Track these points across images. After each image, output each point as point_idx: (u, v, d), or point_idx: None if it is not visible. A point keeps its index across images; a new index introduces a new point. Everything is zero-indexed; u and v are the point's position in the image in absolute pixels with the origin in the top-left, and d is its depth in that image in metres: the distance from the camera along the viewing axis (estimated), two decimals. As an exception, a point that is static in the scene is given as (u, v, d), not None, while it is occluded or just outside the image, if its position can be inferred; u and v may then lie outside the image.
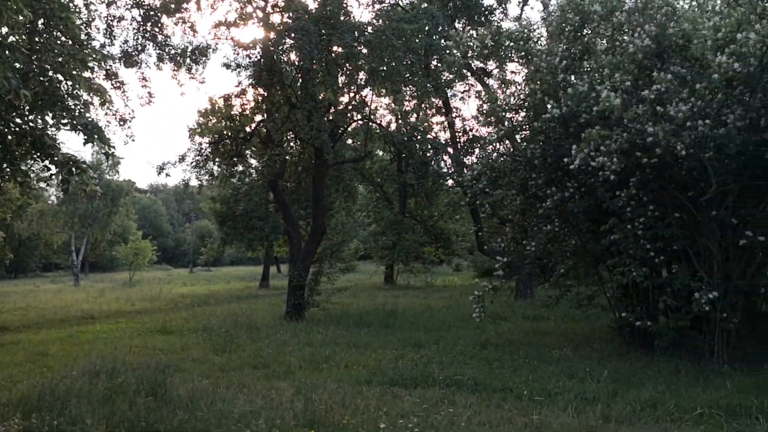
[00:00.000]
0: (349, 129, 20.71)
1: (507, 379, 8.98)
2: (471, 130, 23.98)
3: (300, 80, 15.93)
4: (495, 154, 12.37)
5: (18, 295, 33.40)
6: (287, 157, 21.40)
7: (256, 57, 16.52)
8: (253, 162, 28.07)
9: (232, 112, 22.59)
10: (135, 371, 10.15)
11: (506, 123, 11.30)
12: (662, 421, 6.85)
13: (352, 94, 15.70)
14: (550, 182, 11.41)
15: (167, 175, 43.13)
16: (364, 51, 14.76)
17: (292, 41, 14.53)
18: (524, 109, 11.50)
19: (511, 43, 12.15)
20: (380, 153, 36.12)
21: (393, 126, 25.88)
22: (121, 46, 16.79)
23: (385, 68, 14.36)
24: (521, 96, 11.54)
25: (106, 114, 18.29)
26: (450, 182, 22.89)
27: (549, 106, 10.13)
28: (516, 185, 12.22)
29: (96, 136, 8.42)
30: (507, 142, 12.56)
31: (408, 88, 17.31)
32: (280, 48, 15.04)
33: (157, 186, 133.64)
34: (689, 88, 8.51)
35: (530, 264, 12.63)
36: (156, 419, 7.33)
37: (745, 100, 8.30)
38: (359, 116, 17.35)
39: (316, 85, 14.63)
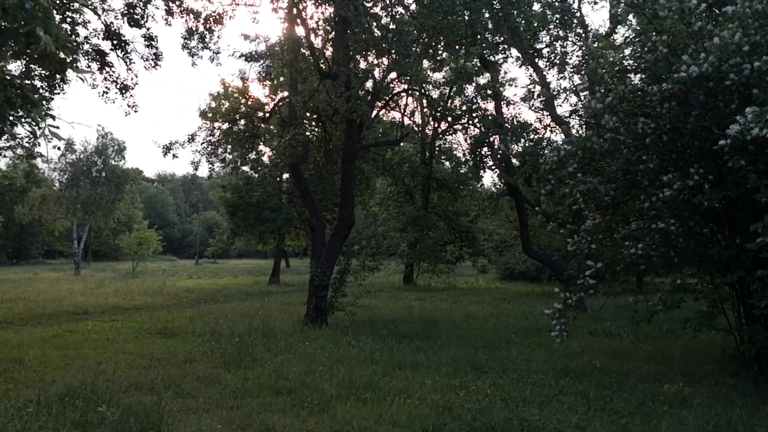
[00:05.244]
0: (387, 107, 18.03)
1: (639, 436, 6.40)
2: (517, 115, 21.22)
3: (332, 40, 13.30)
4: (587, 132, 9.72)
5: (13, 284, 31.37)
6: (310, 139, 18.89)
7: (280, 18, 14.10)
8: (266, 150, 25.75)
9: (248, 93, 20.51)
10: (122, 395, 7.91)
11: (617, 87, 8.61)
12: None
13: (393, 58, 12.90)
14: (665, 168, 8.82)
15: (174, 156, 40.62)
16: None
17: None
18: (638, 71, 8.81)
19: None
20: (403, 144, 33.60)
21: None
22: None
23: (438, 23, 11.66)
24: (635, 54, 8.82)
25: (105, 79, 15.81)
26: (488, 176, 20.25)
27: (684, 66, 7.55)
28: (612, 171, 9.60)
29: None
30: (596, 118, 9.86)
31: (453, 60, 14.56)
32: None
33: (165, 176, 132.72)
34: None
35: (623, 270, 10.02)
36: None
37: None
38: (401, 86, 14.67)
39: (356, 45, 11.99)
